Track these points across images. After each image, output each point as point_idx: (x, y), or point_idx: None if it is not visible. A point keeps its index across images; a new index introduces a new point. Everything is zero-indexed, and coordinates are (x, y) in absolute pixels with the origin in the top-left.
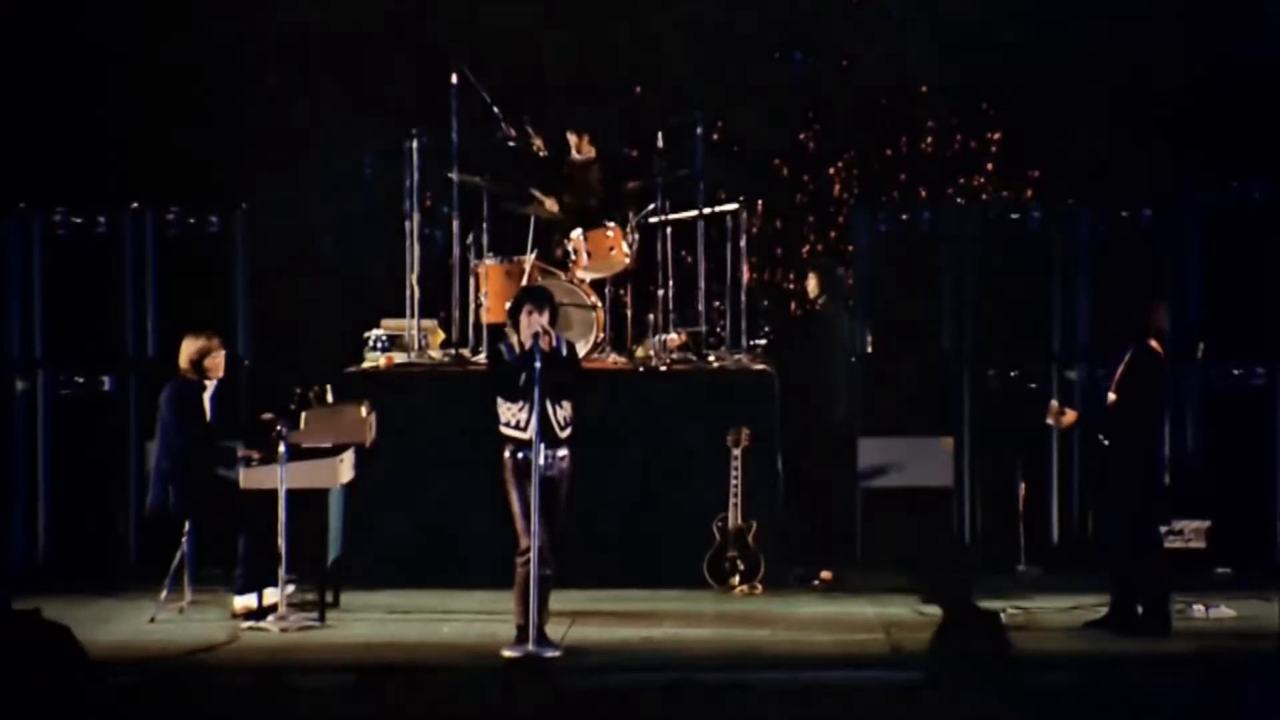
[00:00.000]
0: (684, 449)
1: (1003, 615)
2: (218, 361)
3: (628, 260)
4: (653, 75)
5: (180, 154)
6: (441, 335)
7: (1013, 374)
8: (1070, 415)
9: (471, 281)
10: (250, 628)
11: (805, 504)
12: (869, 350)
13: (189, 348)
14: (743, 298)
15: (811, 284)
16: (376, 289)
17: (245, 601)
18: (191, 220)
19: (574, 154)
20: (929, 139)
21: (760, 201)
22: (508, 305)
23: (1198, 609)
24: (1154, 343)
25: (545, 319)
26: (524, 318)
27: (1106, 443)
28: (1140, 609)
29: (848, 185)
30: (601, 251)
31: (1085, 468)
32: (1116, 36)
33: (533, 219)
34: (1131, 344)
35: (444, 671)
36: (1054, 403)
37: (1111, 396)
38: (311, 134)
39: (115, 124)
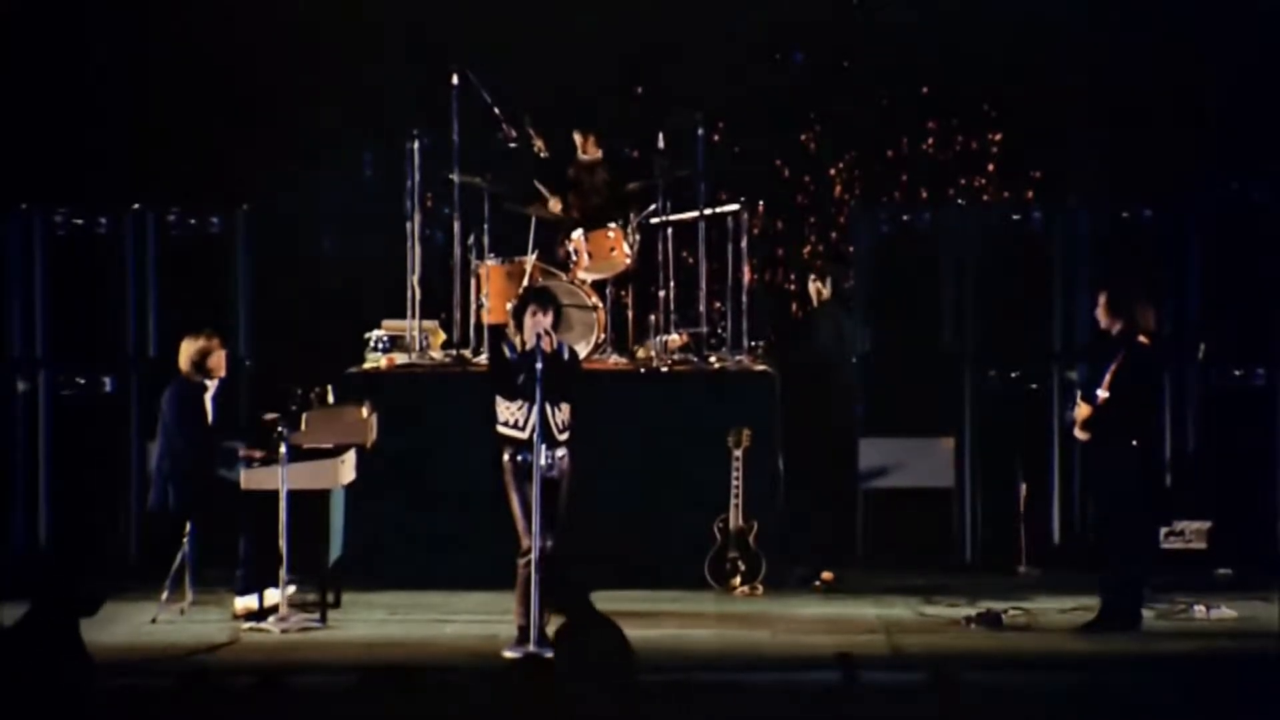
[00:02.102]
0: (684, 449)
1: (1003, 616)
2: (219, 360)
3: (629, 261)
4: (653, 75)
5: (181, 154)
6: (442, 336)
7: (1013, 374)
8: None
9: (472, 282)
10: (251, 628)
11: (806, 504)
12: (869, 350)
13: (189, 349)
14: (744, 298)
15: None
16: (377, 290)
17: (246, 602)
18: (193, 220)
19: (580, 154)
20: (930, 140)
21: (761, 202)
22: (512, 304)
23: (1198, 609)
24: (1143, 339)
25: (549, 320)
26: (528, 318)
27: (1084, 438)
28: (1116, 604)
29: (849, 186)
30: (602, 252)
31: (1085, 468)
32: (1117, 37)
33: (533, 220)
34: (1123, 343)
35: (445, 672)
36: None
37: (1104, 394)
38: (312, 134)
39: (116, 124)
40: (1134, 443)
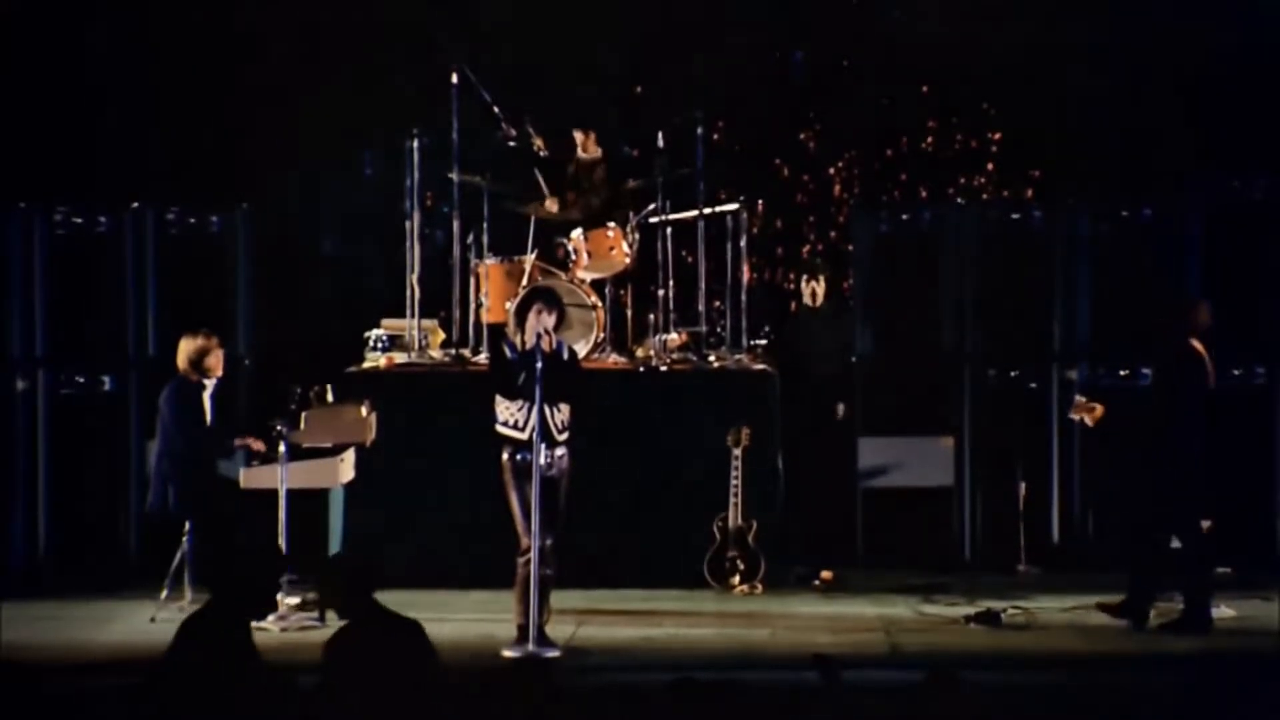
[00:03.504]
0: (684, 449)
1: (1003, 615)
2: (217, 359)
3: (628, 260)
4: (653, 75)
5: (181, 153)
6: (442, 335)
7: (1013, 374)
8: (1099, 409)
9: (472, 281)
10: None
11: (805, 504)
12: (869, 350)
13: (187, 347)
14: (743, 297)
15: None
16: (377, 289)
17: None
18: (192, 219)
19: (580, 152)
20: (929, 139)
21: (760, 201)
22: (515, 302)
23: None
24: (1195, 342)
25: (552, 321)
26: (532, 317)
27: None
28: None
29: (848, 185)
30: (602, 251)
31: (1090, 467)
32: (1117, 35)
33: (533, 219)
34: (1172, 343)
35: (444, 672)
36: (1080, 398)
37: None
38: (312, 133)
39: (116, 122)
40: (1169, 446)
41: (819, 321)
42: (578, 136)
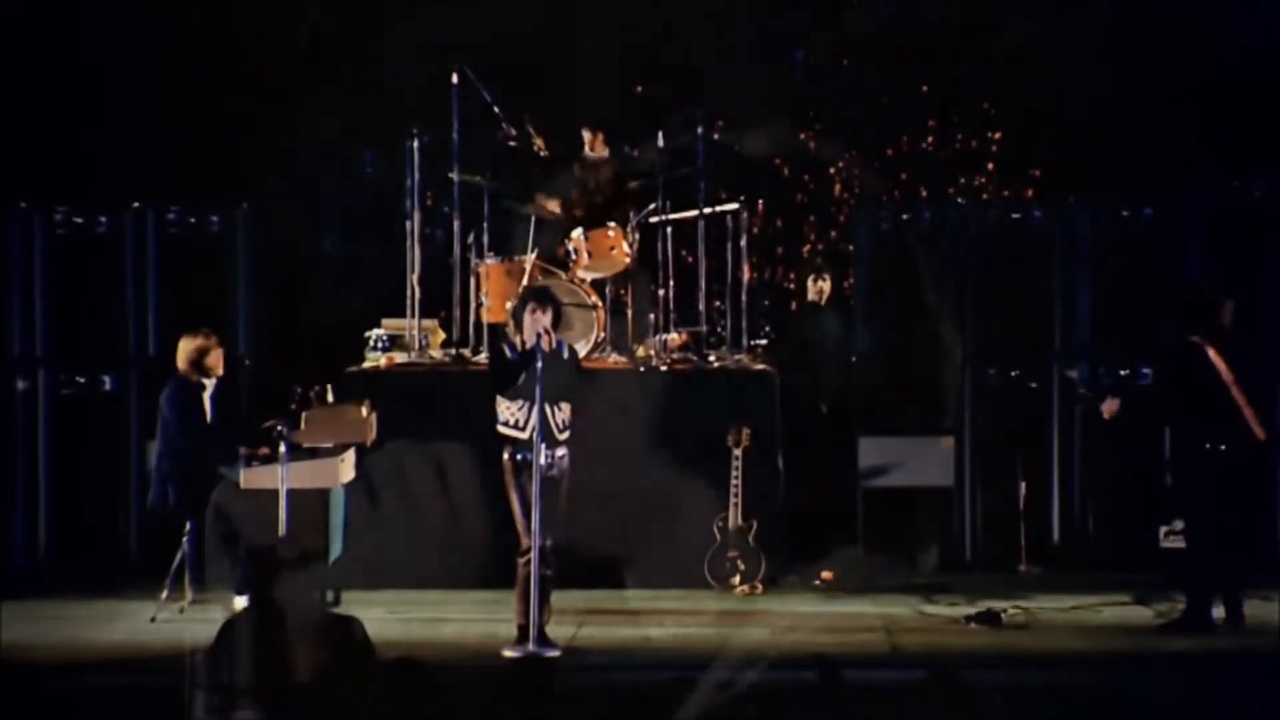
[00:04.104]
0: (684, 449)
1: (1003, 615)
2: (217, 359)
3: (628, 260)
4: (653, 75)
5: (181, 153)
6: (442, 335)
7: (1013, 373)
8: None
9: (472, 281)
10: None
11: (805, 503)
12: (869, 350)
13: (186, 347)
14: (743, 297)
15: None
16: (377, 288)
17: (246, 601)
18: (192, 219)
19: (587, 150)
20: (930, 138)
21: (761, 201)
22: (511, 303)
23: None
24: (1203, 339)
25: (549, 319)
26: (528, 316)
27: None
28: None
29: (848, 185)
30: (602, 251)
31: (1091, 466)
32: (1117, 35)
33: (533, 218)
34: (1175, 339)
35: (445, 671)
36: (1083, 391)
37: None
38: (312, 133)
39: (116, 123)
40: (1206, 445)
41: (824, 319)
42: (586, 135)
